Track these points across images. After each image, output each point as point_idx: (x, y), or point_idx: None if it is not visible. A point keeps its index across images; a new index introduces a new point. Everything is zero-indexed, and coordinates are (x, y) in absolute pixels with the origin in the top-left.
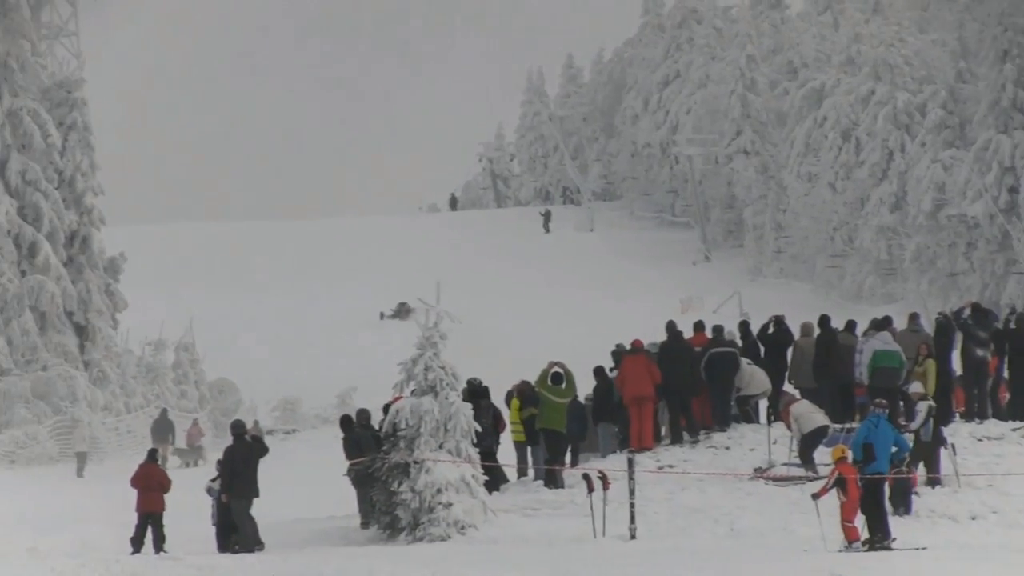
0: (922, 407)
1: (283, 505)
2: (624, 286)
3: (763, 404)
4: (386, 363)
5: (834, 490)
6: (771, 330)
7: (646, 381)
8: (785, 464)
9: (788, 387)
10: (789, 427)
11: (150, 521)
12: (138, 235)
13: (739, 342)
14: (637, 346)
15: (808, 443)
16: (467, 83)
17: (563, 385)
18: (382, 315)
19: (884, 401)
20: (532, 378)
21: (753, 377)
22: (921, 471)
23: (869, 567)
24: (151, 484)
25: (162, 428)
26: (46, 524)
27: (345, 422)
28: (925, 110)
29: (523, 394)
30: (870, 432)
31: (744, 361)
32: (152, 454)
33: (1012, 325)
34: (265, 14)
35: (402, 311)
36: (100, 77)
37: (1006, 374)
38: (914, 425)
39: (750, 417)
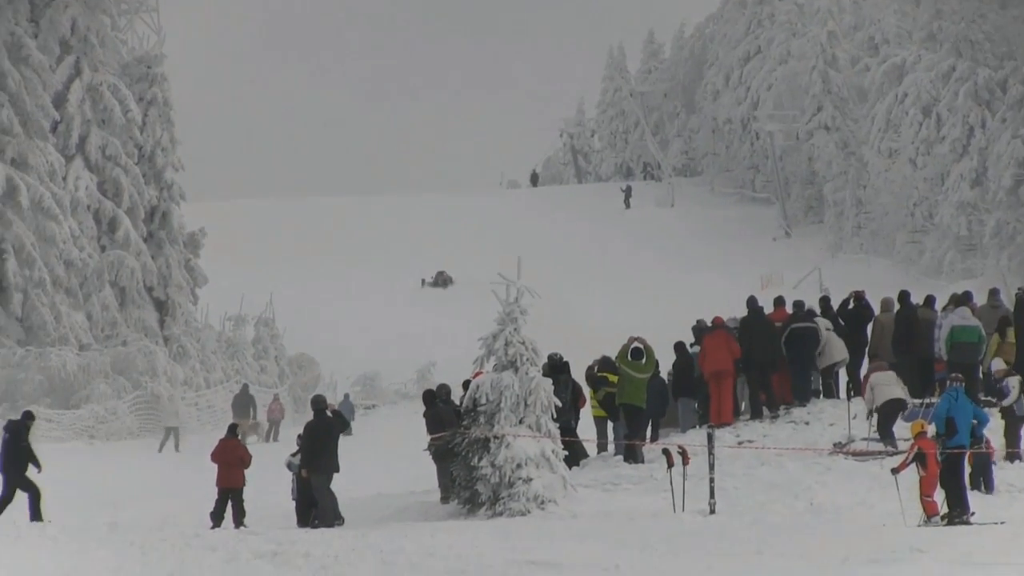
0: (1013, 382)
1: (363, 480)
2: (704, 262)
3: (843, 380)
4: (465, 339)
5: (913, 465)
6: (851, 306)
7: (726, 356)
8: (865, 439)
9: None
10: (864, 395)
11: (230, 496)
12: (218, 210)
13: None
14: (717, 323)
15: (885, 417)
16: (549, 59)
17: (643, 360)
18: (423, 282)
19: (960, 375)
20: (613, 353)
21: (830, 345)
22: (1000, 444)
23: (948, 542)
24: (231, 459)
25: (243, 403)
26: (126, 499)
27: (427, 397)
28: (1006, 86)
29: (604, 369)
30: (951, 406)
31: (823, 326)
32: (232, 429)
33: None
34: None
35: (440, 279)
36: (180, 52)
37: None
38: (1007, 401)
39: (832, 390)
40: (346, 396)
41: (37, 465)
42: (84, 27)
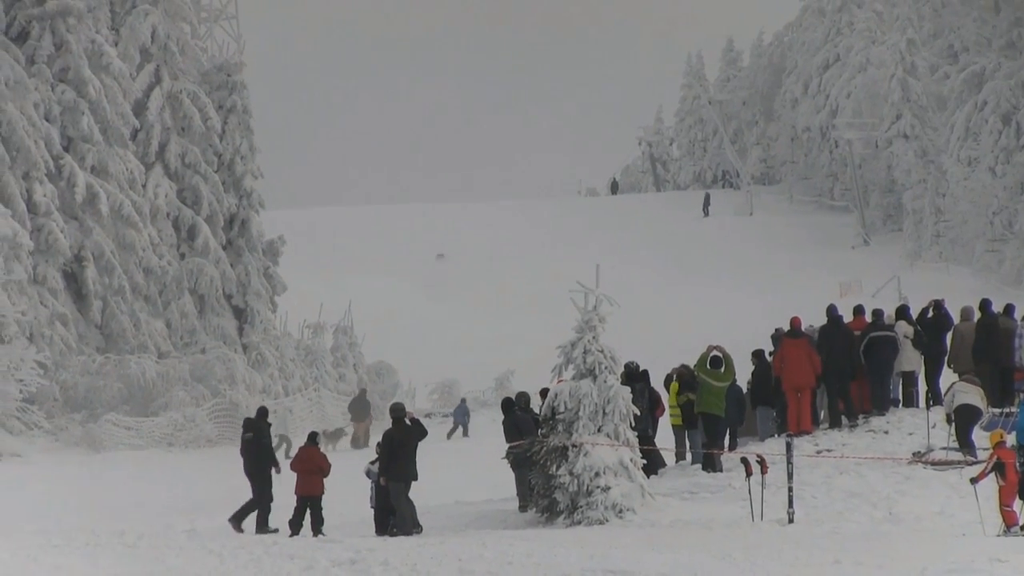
0: None
1: (441, 488)
2: (783, 270)
3: (922, 389)
4: (543, 347)
5: (992, 474)
6: (930, 314)
7: (807, 370)
8: (944, 448)
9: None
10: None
11: (309, 504)
12: (297, 218)
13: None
14: (796, 325)
15: (961, 424)
16: (628, 67)
17: (722, 369)
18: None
19: None
20: (691, 361)
21: (905, 354)
22: None
23: None
24: (310, 467)
25: (361, 406)
26: (204, 506)
27: (506, 404)
28: None
29: (682, 378)
30: None
31: (902, 333)
32: (312, 437)
33: None
34: None
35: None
36: (258, 59)
37: None
38: None
39: (912, 399)
40: (463, 400)
41: (276, 467)
42: (164, 35)
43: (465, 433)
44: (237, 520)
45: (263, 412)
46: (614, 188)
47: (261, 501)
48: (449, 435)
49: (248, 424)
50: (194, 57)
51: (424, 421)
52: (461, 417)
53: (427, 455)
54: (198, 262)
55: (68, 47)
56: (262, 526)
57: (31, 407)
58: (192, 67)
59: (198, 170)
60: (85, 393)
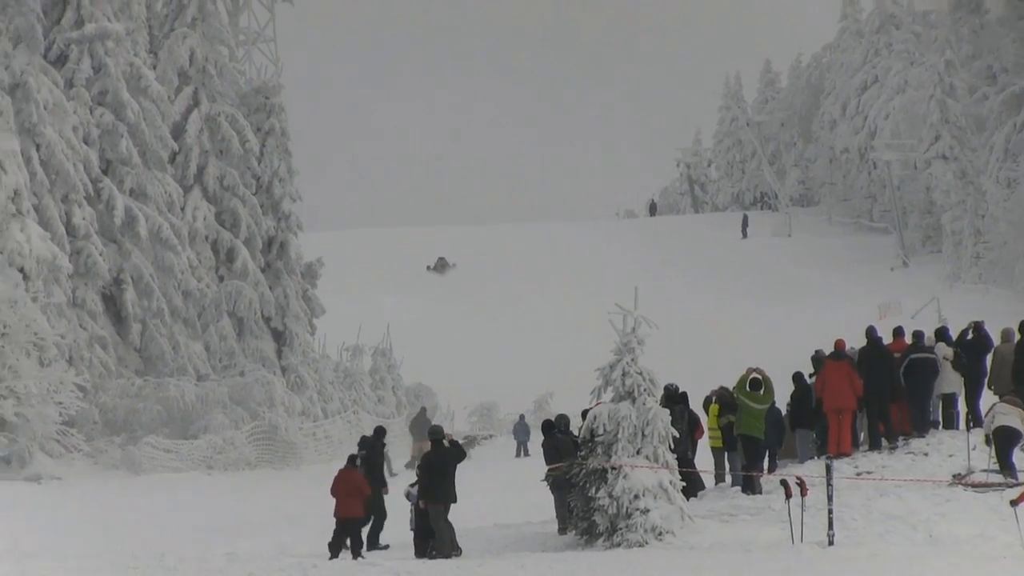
0: None
1: (480, 510)
2: (821, 291)
3: (962, 411)
4: (581, 369)
5: None
6: (970, 336)
7: (848, 393)
8: (984, 470)
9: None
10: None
11: (348, 527)
12: (335, 240)
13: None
14: (840, 348)
15: (1001, 446)
16: (666, 89)
17: (761, 391)
18: (428, 267)
19: None
20: (730, 384)
21: (945, 375)
22: None
23: None
24: (350, 490)
25: (421, 426)
26: (244, 529)
27: (546, 427)
28: None
29: (722, 400)
30: None
31: (942, 354)
32: (352, 460)
33: None
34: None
35: (440, 265)
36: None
37: None
38: None
39: (952, 421)
40: (521, 417)
41: (385, 486)
42: (202, 58)
43: (525, 452)
44: (371, 545)
45: (380, 432)
46: (653, 210)
47: (379, 518)
48: (517, 454)
49: (363, 442)
50: (232, 80)
51: (463, 443)
52: (521, 435)
53: (465, 477)
54: (237, 285)
55: (107, 70)
56: (373, 543)
57: (70, 430)
58: (230, 90)
59: (236, 193)
60: (124, 416)
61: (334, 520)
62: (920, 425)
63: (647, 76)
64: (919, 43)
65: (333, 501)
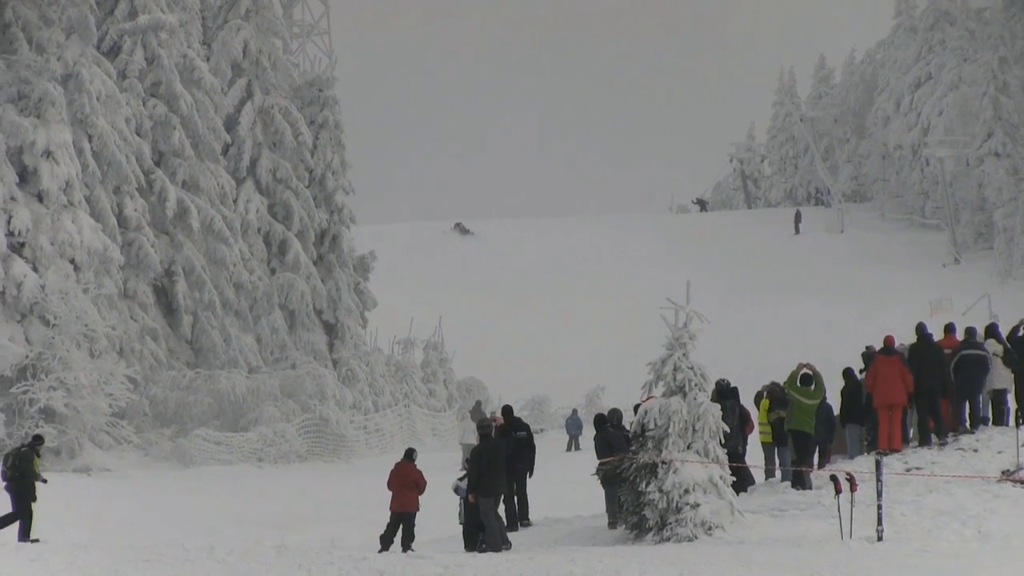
0: None
1: (531, 504)
2: (873, 288)
3: (1012, 407)
4: (632, 363)
5: None
6: (1020, 332)
7: (899, 389)
8: None
9: None
10: None
11: (402, 520)
12: (387, 234)
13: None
14: (890, 344)
15: None
16: (720, 84)
17: (812, 387)
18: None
19: None
20: (781, 379)
21: (995, 371)
22: None
23: None
24: (406, 483)
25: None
26: (294, 522)
27: (598, 421)
28: None
29: (772, 395)
30: None
31: (992, 350)
32: (409, 453)
33: None
34: (519, 13)
35: (460, 229)
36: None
37: None
38: None
39: (1002, 417)
40: (574, 411)
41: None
42: (256, 50)
43: (576, 446)
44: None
45: (508, 411)
46: (702, 206)
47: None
48: (569, 448)
49: (518, 423)
50: (286, 72)
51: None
52: (573, 429)
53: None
54: (289, 277)
55: (160, 61)
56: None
57: (121, 422)
58: (284, 82)
59: (289, 185)
60: (175, 408)
61: (389, 513)
62: (970, 421)
63: (702, 71)
64: (973, 40)
65: (387, 495)
